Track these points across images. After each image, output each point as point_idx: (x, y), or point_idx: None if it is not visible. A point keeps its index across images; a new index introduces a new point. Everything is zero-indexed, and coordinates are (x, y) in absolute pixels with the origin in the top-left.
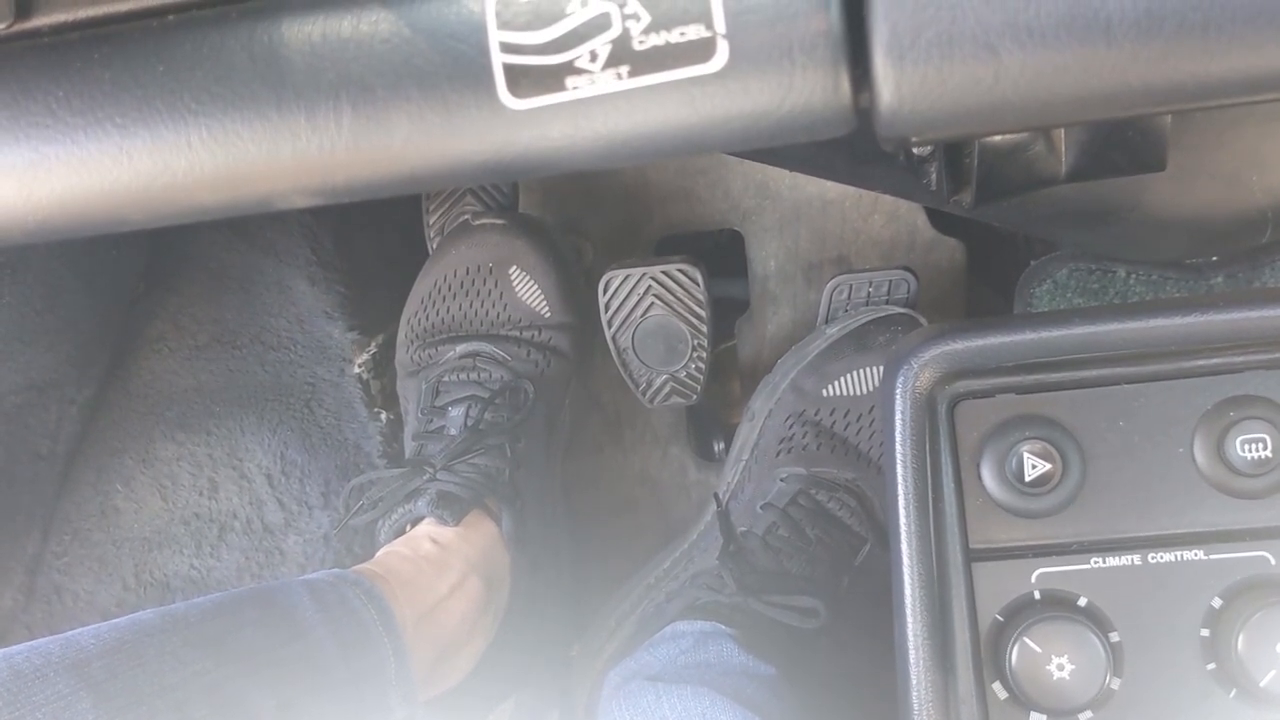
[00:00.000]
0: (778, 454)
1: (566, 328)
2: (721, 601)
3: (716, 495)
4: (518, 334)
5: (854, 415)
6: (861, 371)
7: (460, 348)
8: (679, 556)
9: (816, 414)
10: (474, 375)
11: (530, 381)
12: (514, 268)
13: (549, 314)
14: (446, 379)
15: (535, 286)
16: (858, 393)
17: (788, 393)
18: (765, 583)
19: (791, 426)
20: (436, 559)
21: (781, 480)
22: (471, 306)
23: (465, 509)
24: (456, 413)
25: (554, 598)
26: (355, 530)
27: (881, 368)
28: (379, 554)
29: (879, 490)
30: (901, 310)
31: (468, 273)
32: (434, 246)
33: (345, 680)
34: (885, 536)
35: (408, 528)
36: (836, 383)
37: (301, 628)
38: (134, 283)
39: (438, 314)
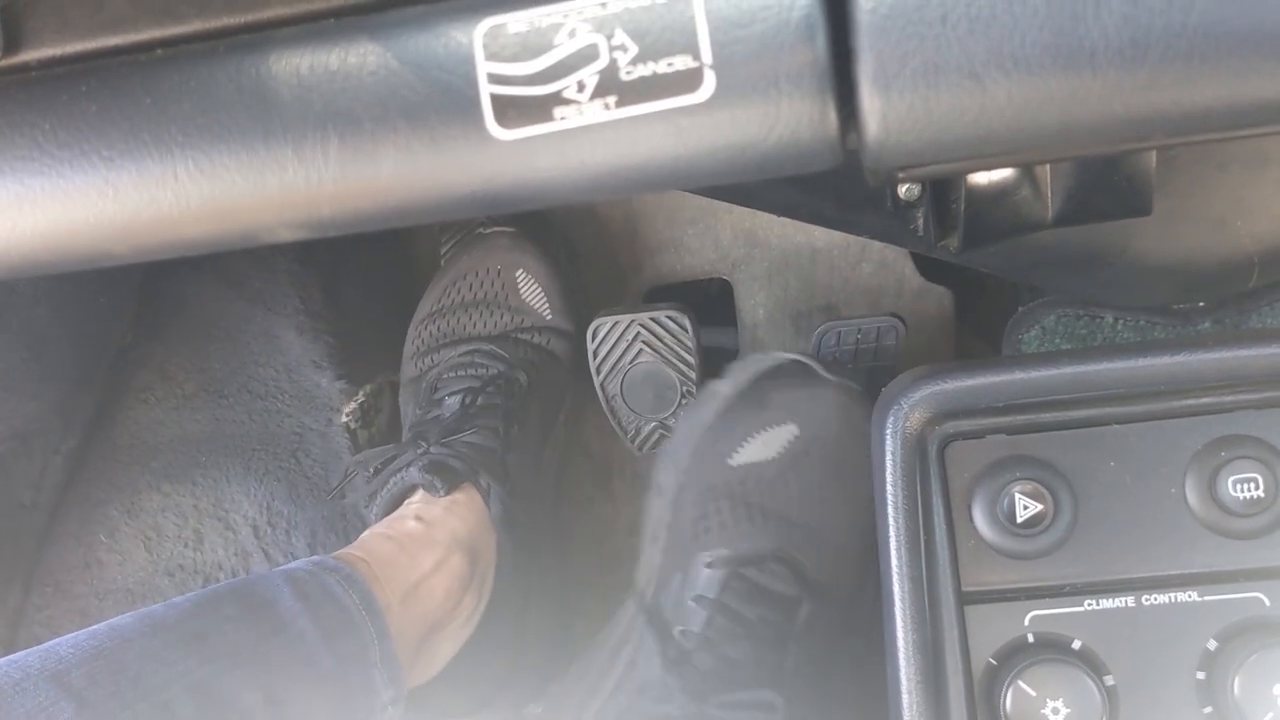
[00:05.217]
0: (695, 536)
1: (565, 334)
2: (672, 715)
3: (641, 594)
4: (517, 334)
5: (766, 480)
6: (765, 432)
7: (461, 347)
8: (623, 660)
9: (727, 486)
10: (471, 370)
11: (525, 373)
12: (521, 270)
13: (549, 315)
14: (445, 376)
15: (539, 288)
16: (766, 457)
17: (694, 466)
18: (713, 684)
19: (705, 503)
20: (420, 535)
21: (707, 566)
22: (478, 310)
23: (457, 480)
24: (452, 400)
25: (540, 584)
26: (347, 510)
27: (786, 425)
28: (361, 537)
29: (806, 547)
30: (792, 357)
31: (476, 275)
32: (448, 256)
33: (330, 668)
34: (820, 589)
35: (400, 508)
36: (740, 449)
37: (283, 619)
38: (121, 331)
39: (445, 320)
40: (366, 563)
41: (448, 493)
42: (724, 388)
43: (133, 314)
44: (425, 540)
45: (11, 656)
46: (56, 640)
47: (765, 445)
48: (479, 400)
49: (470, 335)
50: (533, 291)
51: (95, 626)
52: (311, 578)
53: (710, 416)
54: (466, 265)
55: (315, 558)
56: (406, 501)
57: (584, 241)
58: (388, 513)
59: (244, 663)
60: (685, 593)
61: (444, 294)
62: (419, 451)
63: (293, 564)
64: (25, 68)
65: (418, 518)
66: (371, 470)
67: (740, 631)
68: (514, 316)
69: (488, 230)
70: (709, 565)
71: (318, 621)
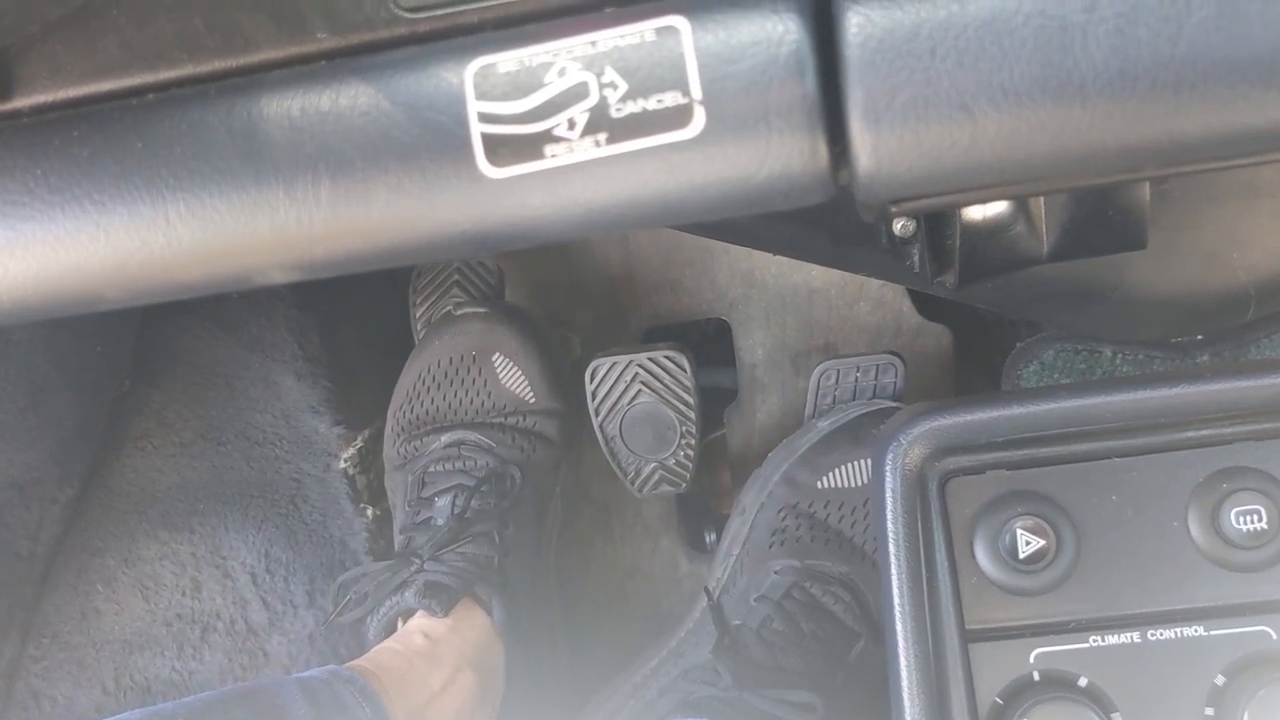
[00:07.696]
0: (770, 546)
1: (552, 413)
2: (716, 696)
3: (707, 589)
4: (502, 420)
5: (848, 508)
6: (855, 464)
7: (445, 437)
8: (666, 655)
9: (810, 506)
10: (459, 464)
11: (517, 467)
12: (497, 354)
13: (534, 399)
14: (432, 469)
15: (519, 372)
16: (852, 485)
17: (780, 485)
18: (761, 677)
19: (784, 519)
20: (428, 653)
21: (775, 573)
22: (456, 396)
23: (454, 598)
24: (443, 502)
25: (551, 691)
26: (343, 628)
27: None
28: (371, 650)
29: (873, 585)
30: (895, 404)
31: (451, 362)
32: (420, 339)
33: None
34: (879, 632)
35: (398, 622)
36: (830, 475)
37: None
38: (119, 379)
39: (423, 405)
40: (378, 677)
41: (446, 613)
42: (823, 423)
43: (130, 361)
44: (432, 658)
45: None
46: None
47: (854, 475)
48: (472, 503)
49: (454, 422)
50: (512, 376)
51: None
52: (325, 687)
53: (805, 447)
54: (440, 349)
55: (330, 667)
56: (409, 618)
57: (581, 281)
58: (387, 633)
59: None
60: (749, 593)
61: (419, 379)
62: (413, 570)
63: (308, 672)
64: (17, 114)
65: (424, 634)
66: (367, 591)
67: (793, 639)
68: (496, 401)
69: (459, 311)
70: (776, 572)
71: None
